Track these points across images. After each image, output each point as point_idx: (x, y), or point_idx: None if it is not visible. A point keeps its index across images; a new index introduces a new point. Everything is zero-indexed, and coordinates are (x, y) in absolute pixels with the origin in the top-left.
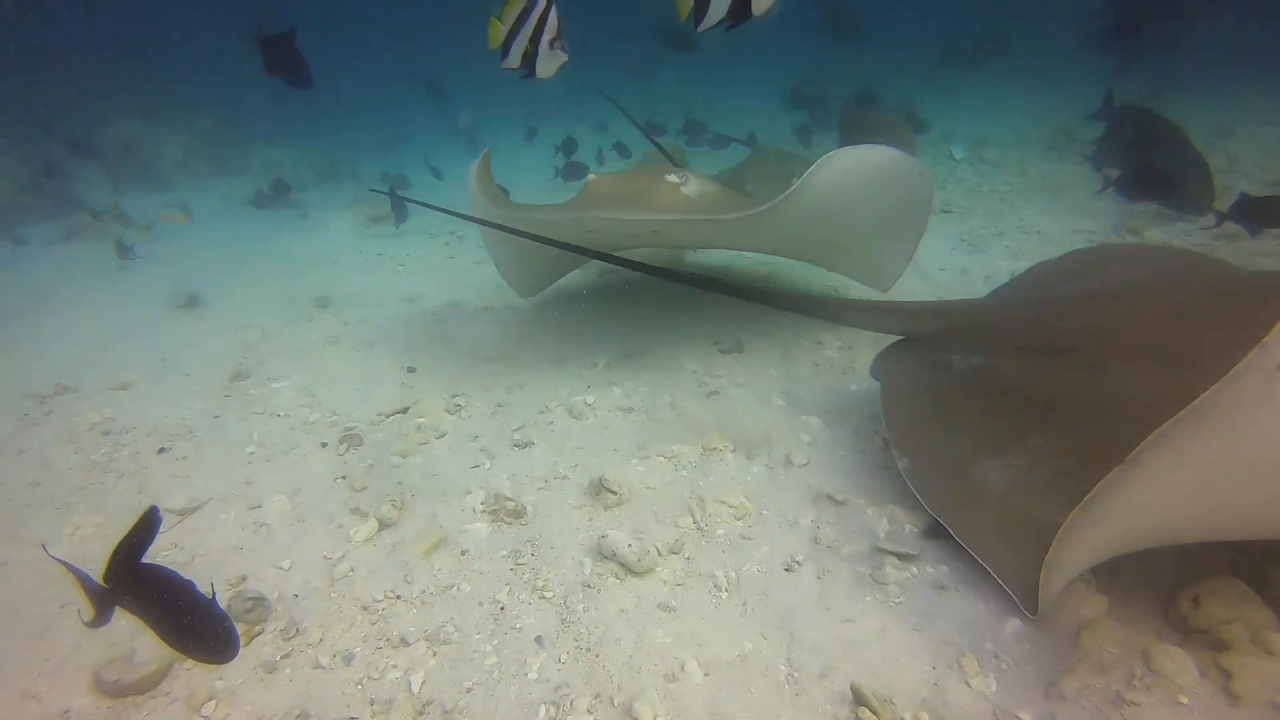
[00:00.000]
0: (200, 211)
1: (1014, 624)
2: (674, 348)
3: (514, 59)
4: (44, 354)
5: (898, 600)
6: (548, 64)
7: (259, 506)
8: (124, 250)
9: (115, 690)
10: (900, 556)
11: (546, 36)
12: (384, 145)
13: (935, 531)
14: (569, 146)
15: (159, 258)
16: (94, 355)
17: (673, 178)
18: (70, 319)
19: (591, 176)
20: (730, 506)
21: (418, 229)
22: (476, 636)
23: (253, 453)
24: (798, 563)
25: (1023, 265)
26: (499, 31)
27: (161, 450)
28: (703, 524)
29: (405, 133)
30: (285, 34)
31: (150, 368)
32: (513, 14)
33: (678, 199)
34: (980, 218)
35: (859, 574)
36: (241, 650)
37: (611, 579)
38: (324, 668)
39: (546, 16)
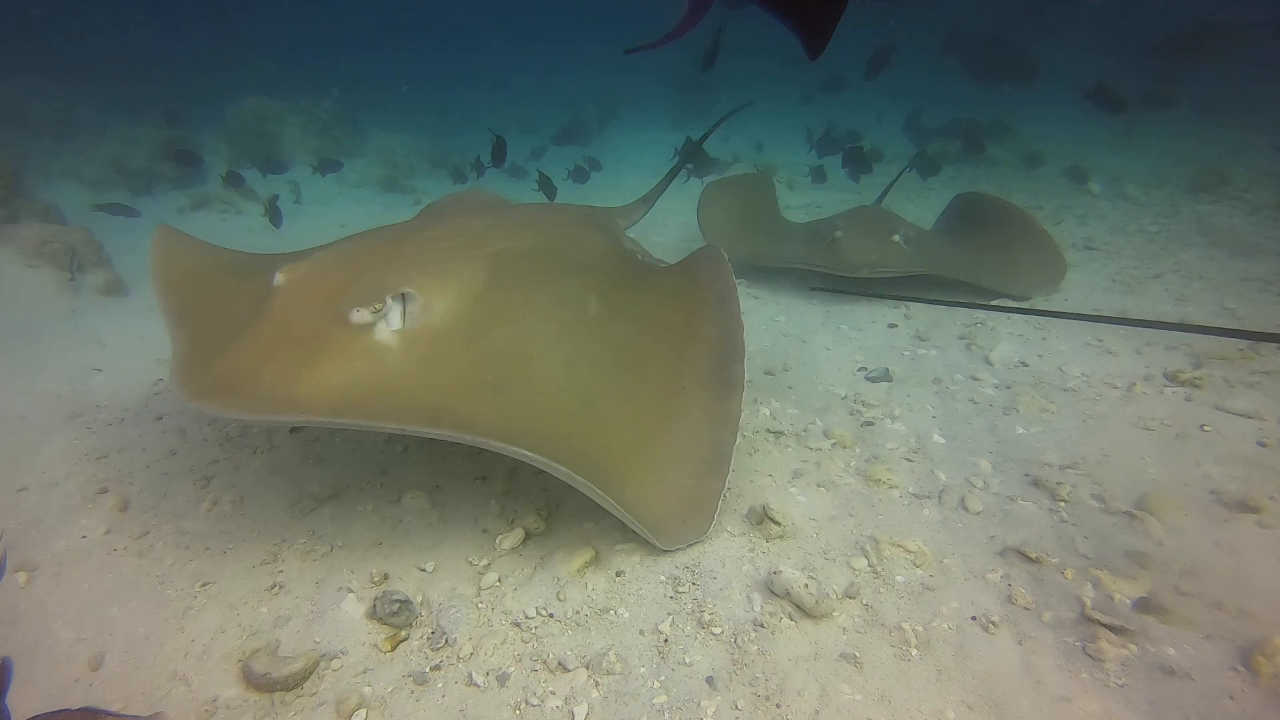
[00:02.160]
0: (317, 192)
1: None
2: (816, 369)
3: None
4: None
5: (1120, 682)
6: None
7: (397, 501)
8: (276, 215)
9: (264, 684)
10: (1115, 630)
11: None
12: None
13: (1153, 606)
14: (693, 155)
15: (280, 234)
16: None
17: (363, 313)
18: None
19: (280, 277)
20: (908, 551)
21: None
22: (642, 670)
23: (387, 441)
24: (993, 623)
25: (1190, 311)
26: None
27: (294, 429)
28: (879, 568)
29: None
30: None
31: None
32: None
33: (346, 365)
34: (1130, 258)
35: (1067, 645)
36: (389, 655)
37: (785, 620)
38: (478, 686)
39: None
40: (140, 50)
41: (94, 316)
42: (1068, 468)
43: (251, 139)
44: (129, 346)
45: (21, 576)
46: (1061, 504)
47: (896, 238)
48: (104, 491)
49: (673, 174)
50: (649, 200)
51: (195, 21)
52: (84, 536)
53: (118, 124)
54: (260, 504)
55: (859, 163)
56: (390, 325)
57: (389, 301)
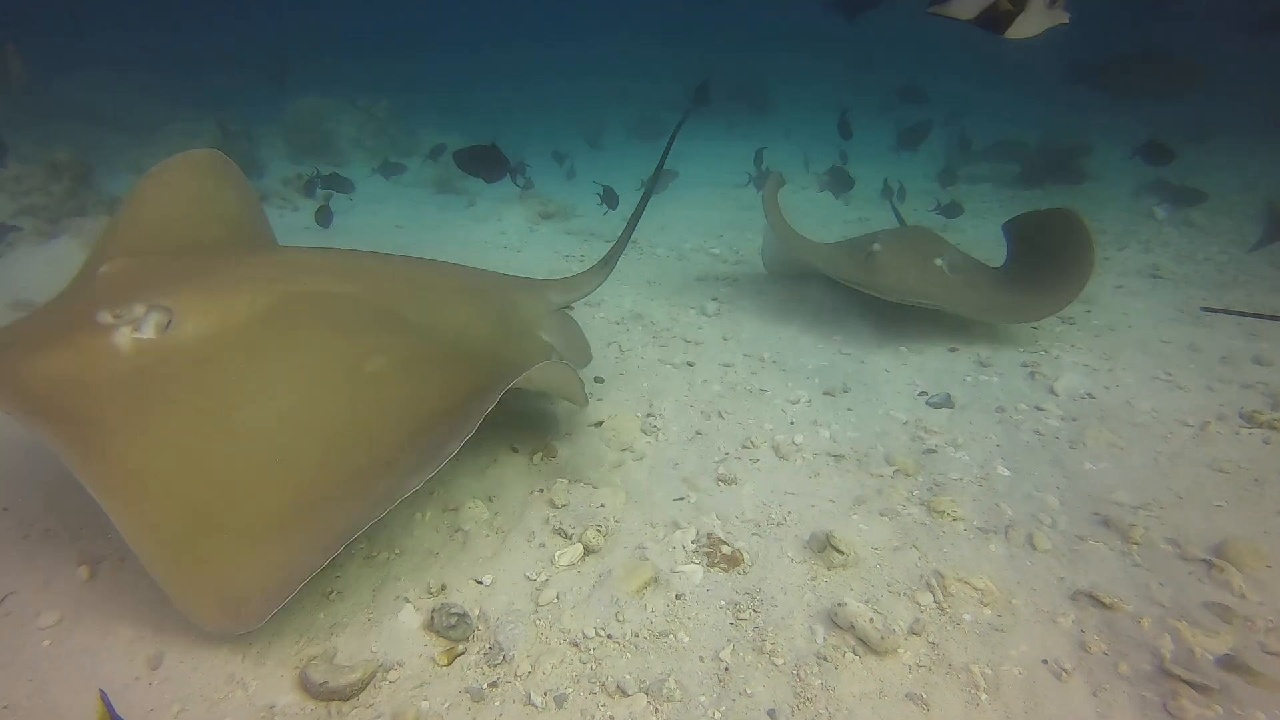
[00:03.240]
0: (372, 191)
1: None
2: (875, 391)
3: (967, 4)
4: None
5: None
6: (1034, 20)
7: (455, 510)
8: (326, 218)
9: (321, 693)
10: (1198, 688)
11: None
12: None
13: (1238, 664)
14: (762, 170)
15: (339, 231)
16: None
17: (106, 315)
18: None
19: (105, 268)
20: (975, 589)
21: (597, 233)
22: (702, 699)
23: None
24: (1065, 671)
25: (1264, 347)
26: None
27: None
28: (944, 604)
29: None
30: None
31: None
32: None
33: (68, 361)
34: (1198, 287)
35: (1145, 699)
36: (445, 669)
37: (849, 654)
38: (536, 706)
39: None
40: (198, 42)
41: None
42: (1139, 508)
43: (309, 136)
44: None
45: (84, 571)
46: (1134, 547)
47: (939, 262)
48: None
49: (634, 222)
50: (609, 262)
51: (252, 15)
52: None
53: (178, 118)
54: None
55: (948, 211)
56: (140, 334)
57: (139, 309)
